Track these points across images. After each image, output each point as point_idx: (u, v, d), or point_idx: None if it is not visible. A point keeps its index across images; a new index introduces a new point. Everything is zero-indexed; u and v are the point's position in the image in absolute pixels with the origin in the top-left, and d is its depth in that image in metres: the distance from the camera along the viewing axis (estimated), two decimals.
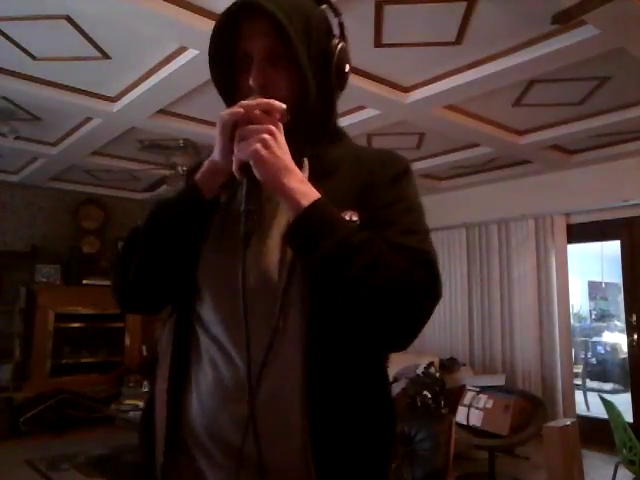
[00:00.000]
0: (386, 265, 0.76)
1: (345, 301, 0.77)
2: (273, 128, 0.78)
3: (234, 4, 0.86)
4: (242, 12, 0.85)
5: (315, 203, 0.78)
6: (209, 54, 0.90)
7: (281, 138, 0.79)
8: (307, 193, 0.78)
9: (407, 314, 0.76)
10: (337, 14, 0.94)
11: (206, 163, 0.88)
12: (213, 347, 0.86)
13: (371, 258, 0.75)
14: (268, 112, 0.79)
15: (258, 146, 0.76)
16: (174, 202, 0.90)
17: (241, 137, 0.78)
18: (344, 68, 0.92)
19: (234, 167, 0.79)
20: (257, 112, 0.79)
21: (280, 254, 0.83)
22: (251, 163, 0.77)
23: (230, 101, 0.90)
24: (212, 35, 0.89)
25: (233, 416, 0.81)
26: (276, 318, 0.80)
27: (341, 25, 0.94)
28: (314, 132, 0.91)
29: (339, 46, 0.91)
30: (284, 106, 0.81)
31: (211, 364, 0.86)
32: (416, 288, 0.76)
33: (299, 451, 0.78)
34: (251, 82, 0.84)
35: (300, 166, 0.83)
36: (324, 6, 0.95)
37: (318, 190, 0.80)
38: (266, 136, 0.77)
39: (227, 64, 0.91)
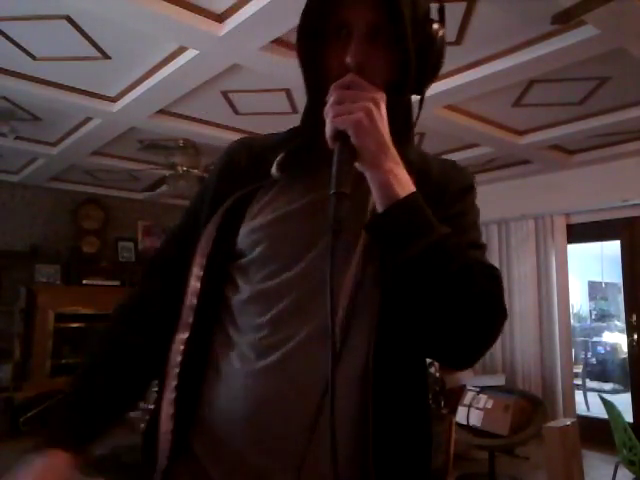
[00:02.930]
0: (478, 275, 0.70)
1: (431, 306, 0.69)
2: (379, 97, 0.70)
3: None
4: None
5: (413, 194, 0.69)
6: (301, 20, 0.79)
7: (384, 111, 0.70)
8: (404, 180, 0.70)
9: (490, 328, 0.72)
10: None
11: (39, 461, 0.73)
12: (251, 341, 0.78)
13: (466, 266, 0.69)
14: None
15: (361, 115, 0.67)
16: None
17: (340, 100, 0.69)
18: (442, 57, 0.83)
19: (328, 134, 0.68)
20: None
21: (358, 249, 0.75)
22: (350, 133, 0.67)
23: (312, 76, 0.80)
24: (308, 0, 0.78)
25: (292, 415, 0.73)
26: (341, 326, 0.73)
27: (442, 10, 0.86)
28: (399, 126, 0.80)
29: (440, 32, 0.82)
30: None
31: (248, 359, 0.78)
32: (499, 303, 0.72)
33: (360, 463, 0.73)
34: (348, 59, 0.73)
35: None
36: None
37: None
38: (371, 105, 0.68)
39: (317, 34, 0.79)
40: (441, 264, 0.68)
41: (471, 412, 3.84)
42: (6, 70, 3.22)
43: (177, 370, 0.80)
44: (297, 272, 0.77)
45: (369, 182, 0.71)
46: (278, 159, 0.82)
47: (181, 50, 2.90)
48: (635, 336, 4.66)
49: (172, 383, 0.80)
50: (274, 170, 0.82)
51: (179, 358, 0.81)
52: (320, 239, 0.76)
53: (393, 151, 0.70)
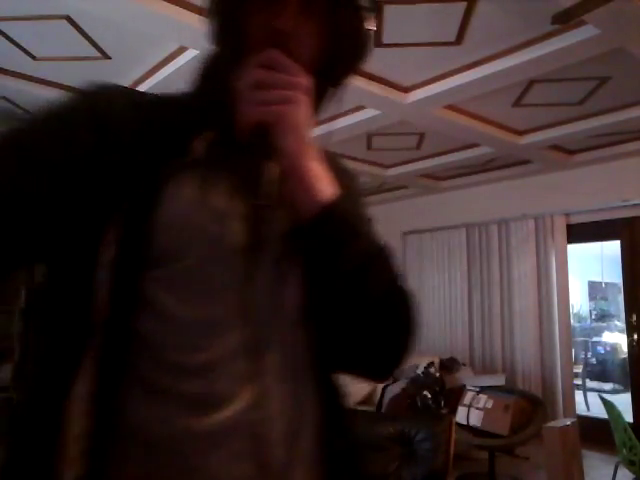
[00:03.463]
0: (398, 274, 0.65)
1: (366, 316, 0.62)
2: (308, 85, 0.59)
3: None
4: None
5: (341, 195, 0.62)
6: None
7: (310, 103, 0.61)
8: (326, 180, 0.61)
9: (411, 330, 0.66)
10: None
11: None
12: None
13: (393, 268, 0.64)
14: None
15: (290, 108, 0.57)
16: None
17: (262, 83, 0.58)
18: (368, 47, 0.70)
19: (244, 124, 0.58)
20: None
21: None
22: (273, 128, 0.58)
23: (228, 46, 0.65)
24: None
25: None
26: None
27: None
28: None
29: (371, 23, 0.70)
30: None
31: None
32: (414, 306, 0.67)
33: None
34: (279, 23, 0.60)
35: None
36: None
37: None
38: (301, 95, 0.58)
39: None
40: (380, 266, 0.63)
41: (471, 412, 3.84)
42: (6, 70, 3.22)
43: (81, 447, 0.54)
44: (239, 293, 0.61)
45: (289, 181, 0.61)
46: (207, 137, 0.64)
47: (181, 50, 2.90)
48: (635, 336, 4.66)
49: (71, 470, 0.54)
50: (198, 150, 0.63)
51: (81, 425, 0.54)
52: (261, 252, 0.63)
53: (316, 147, 0.62)
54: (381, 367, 0.69)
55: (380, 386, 4.65)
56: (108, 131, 0.62)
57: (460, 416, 3.85)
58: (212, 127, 0.65)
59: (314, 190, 0.60)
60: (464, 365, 5.09)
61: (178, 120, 0.66)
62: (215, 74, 0.68)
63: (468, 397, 3.97)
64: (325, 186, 0.61)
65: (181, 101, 0.71)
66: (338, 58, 0.67)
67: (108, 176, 0.59)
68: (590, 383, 7.00)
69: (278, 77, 0.58)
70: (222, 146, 0.64)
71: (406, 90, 3.43)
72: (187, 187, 0.61)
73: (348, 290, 0.60)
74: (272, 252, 0.62)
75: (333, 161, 0.75)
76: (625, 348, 5.07)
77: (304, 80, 0.59)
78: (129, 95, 0.69)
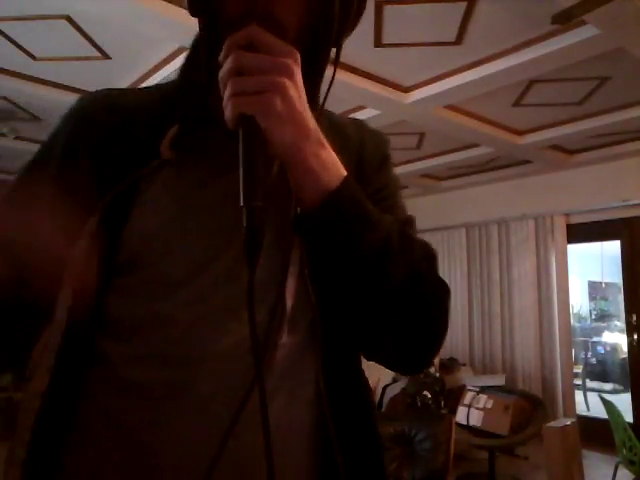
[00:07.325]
0: (425, 267, 0.59)
1: (381, 313, 0.57)
2: (293, 64, 0.52)
3: None
4: None
5: (346, 181, 0.55)
6: None
7: (300, 80, 0.53)
8: (331, 164, 0.55)
9: (442, 324, 0.61)
10: None
11: None
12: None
13: (415, 259, 0.58)
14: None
15: (273, 96, 0.50)
16: None
17: (240, 68, 0.51)
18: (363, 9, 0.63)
19: (227, 116, 0.51)
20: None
21: (279, 256, 0.59)
22: (259, 120, 0.51)
23: (204, 24, 0.60)
24: None
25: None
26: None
27: None
28: (313, 89, 0.63)
29: None
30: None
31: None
32: (446, 293, 0.61)
33: None
34: None
35: None
36: None
37: None
38: (284, 80, 0.51)
39: None
40: (394, 260, 0.56)
41: (471, 412, 3.84)
42: (6, 70, 3.22)
43: (27, 437, 0.56)
44: (196, 290, 0.58)
45: (287, 173, 0.56)
46: (171, 134, 0.60)
47: (181, 50, 2.90)
48: (635, 336, 4.66)
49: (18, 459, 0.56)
50: (165, 149, 0.60)
51: (31, 419, 0.57)
52: (231, 244, 0.58)
53: (315, 130, 0.55)
54: (414, 359, 0.64)
55: (380, 386, 4.65)
56: (85, 139, 0.63)
57: (460, 416, 3.85)
58: (184, 121, 0.61)
59: (315, 181, 0.54)
60: (464, 365, 5.10)
61: (151, 119, 0.63)
62: (196, 60, 0.62)
63: (468, 397, 3.97)
64: (328, 175, 0.55)
65: (162, 93, 0.68)
66: (332, 15, 0.59)
67: (80, 183, 0.59)
68: (590, 383, 7.00)
69: (259, 60, 0.51)
70: (198, 140, 0.60)
71: (406, 90, 3.43)
72: (151, 195, 0.59)
73: (363, 282, 0.56)
74: (268, 256, 0.56)
75: (354, 129, 0.71)
76: (625, 348, 5.07)
77: (291, 59, 0.52)
78: (103, 98, 0.68)
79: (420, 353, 0.63)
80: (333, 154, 0.56)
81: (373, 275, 0.55)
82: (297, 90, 0.52)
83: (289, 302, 0.59)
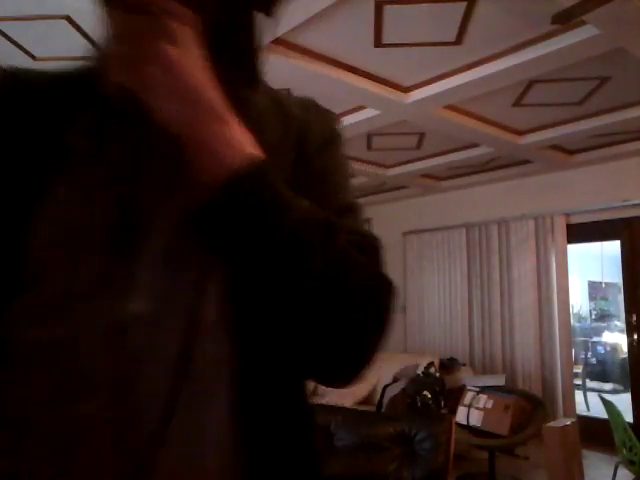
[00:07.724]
0: (354, 260, 0.50)
1: (297, 311, 0.48)
2: (182, 31, 0.45)
3: None
4: None
5: (256, 164, 0.46)
6: None
7: (199, 52, 0.47)
8: (236, 143, 0.46)
9: (375, 326, 0.51)
10: None
11: None
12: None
13: (338, 250, 0.49)
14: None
15: (154, 69, 0.44)
16: None
17: (120, 34, 0.46)
18: None
19: (110, 92, 0.45)
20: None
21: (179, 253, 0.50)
22: (142, 96, 0.44)
23: None
24: None
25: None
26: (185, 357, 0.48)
27: None
28: (238, 55, 0.57)
29: None
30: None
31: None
32: (385, 291, 0.52)
33: None
34: None
35: None
36: None
37: None
38: (167, 48, 0.44)
39: None
40: (310, 252, 0.47)
41: (471, 412, 3.84)
42: None
43: None
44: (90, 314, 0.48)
45: (185, 155, 0.46)
46: (84, 120, 0.53)
47: None
48: (635, 336, 4.66)
49: None
50: (76, 138, 0.52)
51: None
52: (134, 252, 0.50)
53: (215, 106, 0.46)
54: (339, 371, 0.53)
55: (380, 386, 4.66)
56: None
57: (460, 416, 3.85)
58: (97, 105, 0.53)
59: (213, 162, 0.45)
60: (464, 365, 5.10)
61: (59, 103, 0.54)
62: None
63: (468, 397, 3.97)
64: (232, 152, 0.45)
65: (73, 75, 0.61)
66: None
67: None
68: (590, 383, 7.00)
69: (135, 23, 0.44)
70: (108, 128, 0.52)
71: (406, 90, 3.43)
72: (64, 196, 0.50)
73: (270, 277, 0.46)
74: (163, 251, 0.49)
75: (300, 109, 0.63)
76: (625, 348, 5.07)
77: (179, 21, 0.45)
78: (15, 76, 0.58)
79: (345, 363, 0.52)
80: (243, 133, 0.47)
81: (281, 269, 0.46)
82: (191, 59, 0.45)
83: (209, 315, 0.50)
